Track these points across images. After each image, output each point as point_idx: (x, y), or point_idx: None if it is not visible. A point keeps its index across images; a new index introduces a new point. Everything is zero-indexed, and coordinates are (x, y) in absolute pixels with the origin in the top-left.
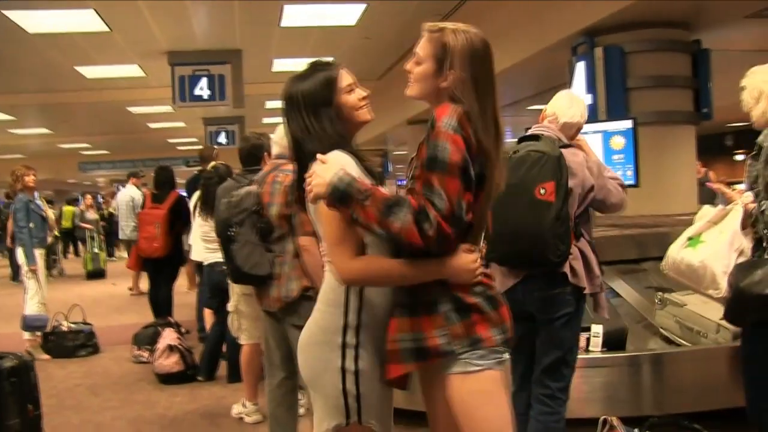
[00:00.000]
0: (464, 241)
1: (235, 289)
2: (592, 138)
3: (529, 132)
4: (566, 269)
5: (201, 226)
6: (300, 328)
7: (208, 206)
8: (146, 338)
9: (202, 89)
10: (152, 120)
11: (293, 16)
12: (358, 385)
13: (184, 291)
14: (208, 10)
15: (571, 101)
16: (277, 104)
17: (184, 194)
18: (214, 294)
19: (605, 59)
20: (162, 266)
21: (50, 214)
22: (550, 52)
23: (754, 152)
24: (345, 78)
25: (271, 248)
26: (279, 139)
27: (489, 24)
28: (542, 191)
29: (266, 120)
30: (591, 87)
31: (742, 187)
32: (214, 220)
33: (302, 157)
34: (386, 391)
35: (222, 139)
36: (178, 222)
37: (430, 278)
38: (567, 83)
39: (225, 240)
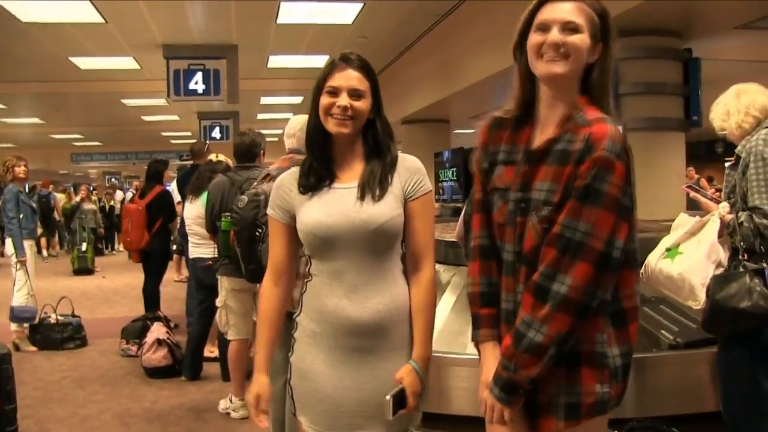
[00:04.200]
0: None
1: (224, 285)
2: None
3: None
4: None
5: (186, 218)
6: None
7: (197, 191)
8: (135, 332)
9: (197, 83)
10: (146, 113)
11: (290, 13)
12: (290, 375)
13: (170, 283)
14: (205, 5)
15: None
16: (272, 100)
17: (168, 189)
18: (199, 289)
19: None
20: (146, 260)
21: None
22: None
23: (732, 162)
24: (333, 79)
25: None
26: (296, 132)
27: (485, 25)
28: None
29: (261, 116)
30: None
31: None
32: (235, 219)
33: None
34: (322, 398)
35: (216, 133)
36: (160, 217)
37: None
38: None
39: (249, 240)
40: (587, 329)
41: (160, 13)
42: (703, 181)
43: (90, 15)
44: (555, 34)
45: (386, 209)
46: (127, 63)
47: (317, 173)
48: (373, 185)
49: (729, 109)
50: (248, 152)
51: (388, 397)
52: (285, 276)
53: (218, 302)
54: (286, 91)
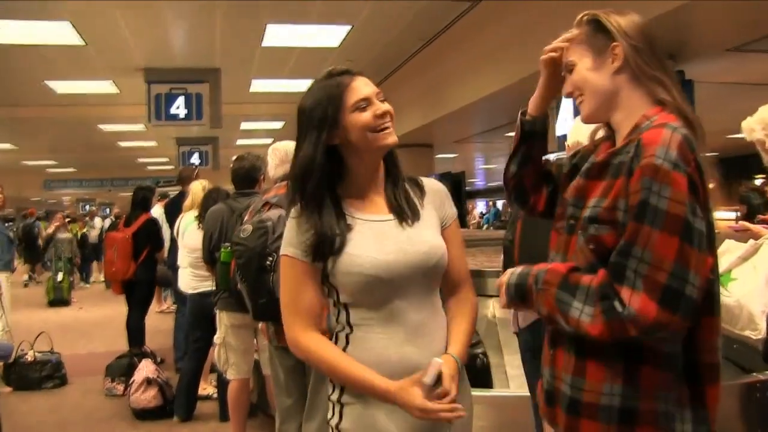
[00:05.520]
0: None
1: (223, 320)
2: None
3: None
4: None
5: (192, 251)
6: None
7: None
8: (120, 369)
9: (179, 108)
10: (123, 138)
11: (276, 36)
12: None
13: (151, 314)
14: (189, 28)
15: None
16: (252, 125)
17: (155, 217)
18: (199, 325)
19: None
20: (130, 291)
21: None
22: (538, 78)
23: None
24: (355, 92)
25: None
26: (287, 156)
27: (471, 51)
28: None
29: (240, 141)
30: (579, 113)
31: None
32: (238, 251)
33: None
34: None
35: (195, 159)
36: (147, 246)
37: (371, 395)
38: (554, 107)
39: (258, 271)
40: (646, 382)
41: (142, 36)
42: None
43: (69, 37)
44: (565, 87)
45: (437, 240)
46: (106, 87)
47: (330, 237)
48: (406, 209)
49: None
50: (248, 177)
51: (438, 359)
52: (320, 323)
53: (217, 339)
54: (267, 116)
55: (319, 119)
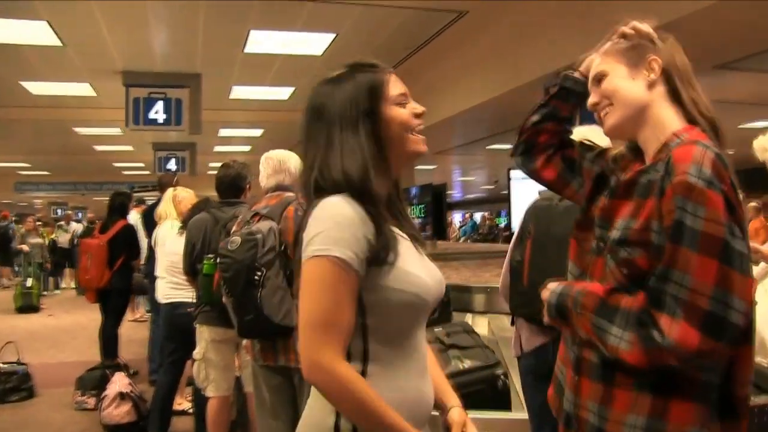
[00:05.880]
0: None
1: (203, 335)
2: None
3: None
4: None
5: (169, 255)
6: None
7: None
8: (92, 382)
9: (158, 113)
10: (99, 142)
11: (259, 42)
12: None
13: (124, 323)
14: (171, 31)
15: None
16: (231, 132)
17: (132, 224)
18: (173, 337)
19: None
20: (105, 299)
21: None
22: (523, 91)
23: None
24: (395, 85)
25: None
26: (288, 167)
27: (461, 59)
28: None
29: (218, 148)
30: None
31: None
32: (225, 263)
33: (309, 193)
34: None
35: (171, 165)
36: (123, 254)
37: None
38: None
39: (246, 285)
40: (675, 416)
41: (122, 38)
42: None
43: (47, 37)
44: (591, 97)
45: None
46: (83, 89)
47: (387, 244)
48: (416, 231)
49: None
50: (233, 186)
51: None
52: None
53: (196, 354)
54: (246, 123)
55: (366, 110)
